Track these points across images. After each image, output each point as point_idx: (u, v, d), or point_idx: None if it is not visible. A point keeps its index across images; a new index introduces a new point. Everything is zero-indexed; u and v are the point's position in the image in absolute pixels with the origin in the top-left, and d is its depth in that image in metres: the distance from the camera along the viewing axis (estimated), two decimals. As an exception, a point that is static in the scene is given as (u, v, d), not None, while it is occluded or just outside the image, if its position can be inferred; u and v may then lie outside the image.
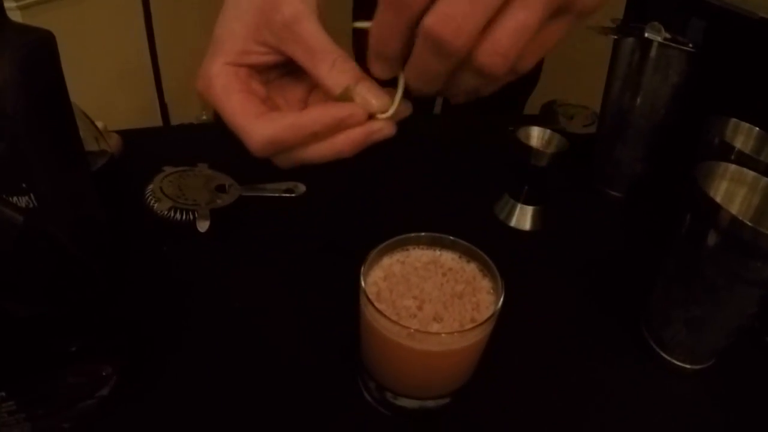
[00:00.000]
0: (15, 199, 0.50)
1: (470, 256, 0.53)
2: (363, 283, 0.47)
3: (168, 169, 0.75)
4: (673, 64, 0.77)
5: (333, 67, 0.40)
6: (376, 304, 0.46)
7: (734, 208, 0.59)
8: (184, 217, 0.69)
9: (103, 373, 0.50)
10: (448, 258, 0.53)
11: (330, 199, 0.79)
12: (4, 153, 0.48)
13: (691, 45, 0.76)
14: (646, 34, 0.77)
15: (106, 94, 2.08)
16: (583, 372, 0.60)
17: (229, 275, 0.66)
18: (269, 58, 0.43)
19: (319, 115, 0.40)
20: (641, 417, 0.56)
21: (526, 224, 0.79)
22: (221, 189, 0.74)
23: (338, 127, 0.41)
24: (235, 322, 0.60)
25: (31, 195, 0.51)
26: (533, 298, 0.67)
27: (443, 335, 0.44)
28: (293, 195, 0.77)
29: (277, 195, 0.76)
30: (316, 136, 0.41)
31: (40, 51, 0.50)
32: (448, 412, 0.53)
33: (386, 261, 0.52)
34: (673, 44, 0.76)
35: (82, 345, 0.48)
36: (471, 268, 0.52)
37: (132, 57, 2.47)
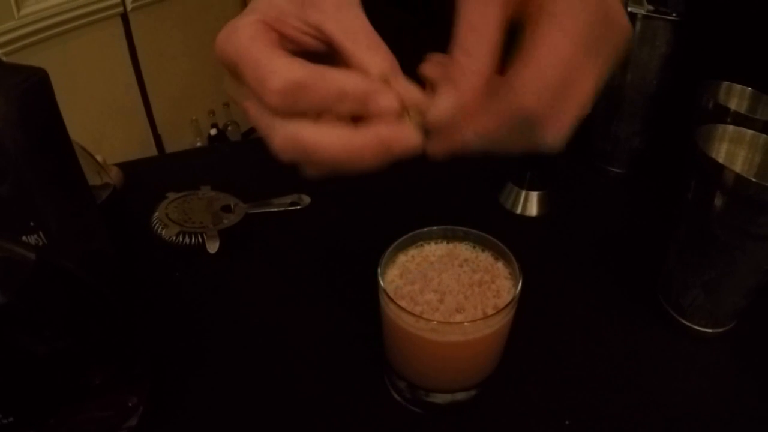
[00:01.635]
0: (24, 238, 0.51)
1: (484, 245, 0.53)
2: (381, 282, 0.48)
3: (171, 195, 0.76)
4: (659, 35, 0.77)
5: (370, 49, 0.37)
6: (397, 301, 0.46)
7: (737, 168, 0.59)
8: (192, 240, 0.69)
9: (129, 404, 0.50)
10: (462, 249, 0.54)
11: (336, 207, 0.79)
12: (9, 193, 0.48)
13: (674, 14, 0.77)
14: (629, 9, 0.77)
15: (100, 129, 2.10)
16: (607, 347, 0.60)
17: (243, 293, 0.66)
18: (304, 39, 0.39)
19: (352, 81, 0.36)
20: (668, 385, 0.56)
21: (533, 210, 0.79)
22: (227, 209, 0.74)
23: (367, 102, 0.36)
24: (256, 338, 0.60)
25: (40, 233, 0.51)
26: (549, 281, 0.68)
27: (467, 324, 0.45)
28: (299, 207, 0.77)
29: (282, 209, 0.76)
30: (342, 103, 0.35)
31: (35, 89, 0.51)
32: (479, 403, 0.53)
33: (401, 258, 0.52)
34: (657, 15, 0.77)
35: (105, 377, 0.48)
36: (486, 257, 0.53)
37: (121, 92, 2.49)
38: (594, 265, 0.71)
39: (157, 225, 0.71)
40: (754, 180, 0.49)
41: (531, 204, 0.79)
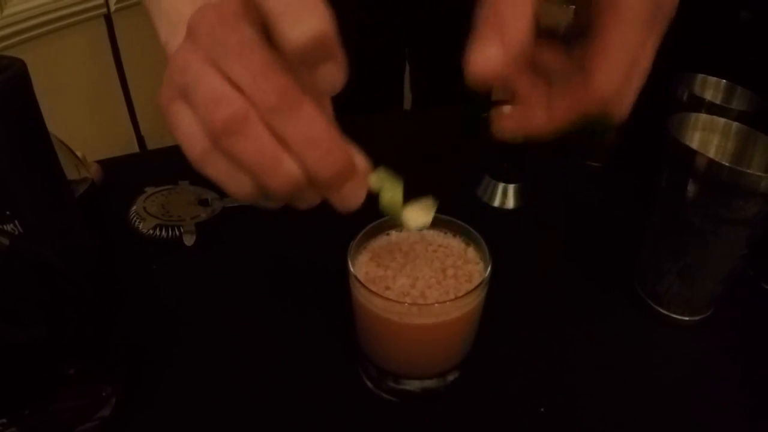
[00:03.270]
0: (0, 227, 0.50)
1: (455, 231, 0.54)
2: (351, 267, 0.48)
3: (150, 190, 0.76)
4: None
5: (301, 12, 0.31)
6: (367, 285, 0.46)
7: (710, 155, 0.60)
8: (170, 233, 0.69)
9: (103, 394, 0.50)
10: (433, 235, 0.54)
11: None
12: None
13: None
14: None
15: (83, 130, 2.08)
16: (583, 335, 0.61)
17: (219, 285, 0.66)
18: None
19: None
20: (645, 373, 0.57)
21: (510, 203, 0.79)
22: (204, 203, 0.74)
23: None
24: (230, 329, 0.60)
25: (16, 222, 0.51)
26: (526, 272, 0.68)
27: (437, 306, 0.45)
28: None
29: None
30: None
31: (13, 79, 0.50)
32: (453, 390, 0.54)
33: (372, 244, 0.53)
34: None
35: (80, 367, 0.48)
36: (457, 242, 0.53)
37: (104, 93, 2.49)
38: (571, 255, 0.72)
39: (134, 218, 0.71)
40: (726, 164, 0.50)
41: (508, 197, 0.79)
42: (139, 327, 0.60)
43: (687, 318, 0.61)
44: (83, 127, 2.19)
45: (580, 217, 0.79)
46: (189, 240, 0.68)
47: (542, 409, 0.53)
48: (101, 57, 2.45)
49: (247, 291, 0.65)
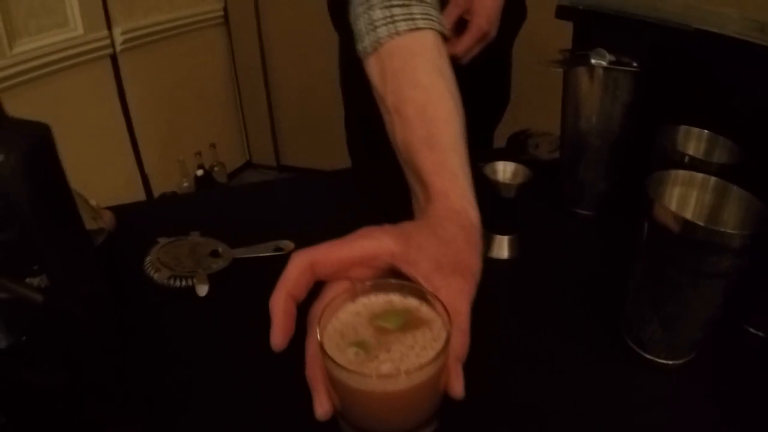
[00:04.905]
0: (28, 280, 0.54)
1: (417, 296, 0.52)
2: (319, 336, 0.47)
3: (162, 240, 0.79)
4: (620, 85, 0.82)
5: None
6: (333, 356, 0.46)
7: (689, 210, 0.64)
8: (183, 283, 0.73)
9: (127, 437, 0.54)
10: (398, 300, 0.52)
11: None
12: (15, 239, 0.52)
13: (635, 64, 0.82)
14: (592, 60, 0.83)
15: (87, 169, 2.12)
16: (571, 381, 0.63)
17: (231, 335, 0.69)
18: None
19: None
20: (630, 416, 0.59)
21: (504, 253, 0.83)
22: (215, 254, 0.78)
23: None
24: (242, 379, 0.63)
25: (43, 276, 0.54)
26: (517, 318, 0.72)
27: (403, 375, 0.45)
28: (283, 252, 0.81)
29: (268, 254, 0.80)
30: None
31: (40, 142, 0.54)
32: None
33: (341, 313, 0.51)
34: (617, 66, 0.82)
35: (98, 413, 0.52)
36: (420, 305, 0.51)
37: (109, 132, 2.52)
38: (561, 303, 0.74)
39: (149, 268, 0.74)
40: (700, 223, 0.54)
41: (502, 247, 0.83)
42: (155, 374, 0.63)
43: (670, 362, 0.64)
44: (88, 166, 2.23)
45: (570, 265, 0.82)
46: (202, 290, 0.72)
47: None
48: (107, 96, 2.49)
49: (257, 340, 0.67)
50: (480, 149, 1.36)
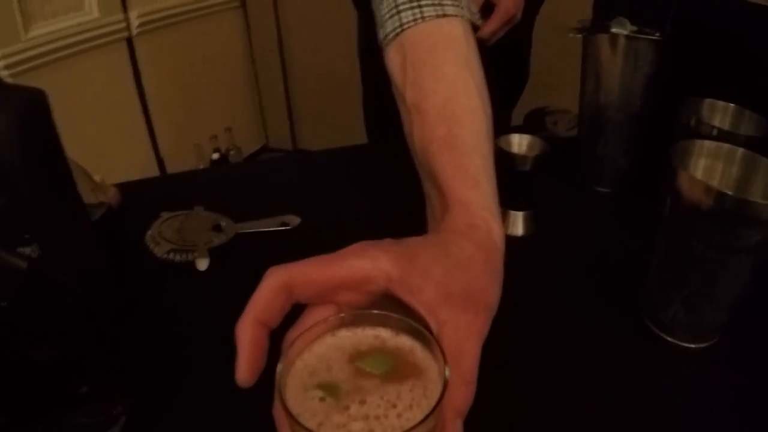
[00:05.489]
0: (20, 249, 0.52)
1: (412, 335, 0.41)
2: (280, 369, 0.39)
3: (165, 215, 0.77)
4: (642, 55, 0.79)
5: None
6: (288, 399, 0.38)
7: (715, 183, 0.60)
8: (183, 258, 0.71)
9: (114, 412, 0.52)
10: (388, 337, 0.42)
11: (325, 228, 0.80)
12: (5, 205, 0.50)
13: (657, 34, 0.79)
14: (613, 30, 0.79)
15: (103, 152, 2.12)
16: (590, 365, 0.61)
17: (230, 310, 0.66)
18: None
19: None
20: (651, 402, 0.57)
21: (519, 230, 0.80)
22: (217, 228, 0.76)
23: None
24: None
25: (35, 246, 0.52)
26: (534, 299, 0.69)
27: None
28: (289, 227, 0.78)
29: (272, 229, 0.78)
30: None
31: (34, 108, 0.52)
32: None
33: (316, 345, 0.42)
34: (640, 35, 0.78)
35: (93, 386, 0.50)
36: (419, 351, 0.41)
37: (125, 115, 2.53)
38: (578, 283, 0.72)
39: (150, 242, 0.72)
40: (730, 193, 0.50)
41: (517, 224, 0.80)
42: (151, 349, 0.61)
43: (693, 345, 0.61)
44: (104, 148, 2.23)
45: (588, 244, 0.79)
46: (202, 265, 0.70)
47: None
48: (123, 79, 2.49)
49: None
50: (497, 128, 1.33)
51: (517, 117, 1.36)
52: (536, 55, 1.41)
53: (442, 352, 0.38)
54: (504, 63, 1.25)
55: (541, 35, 1.39)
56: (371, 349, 0.41)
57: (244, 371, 0.41)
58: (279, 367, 0.39)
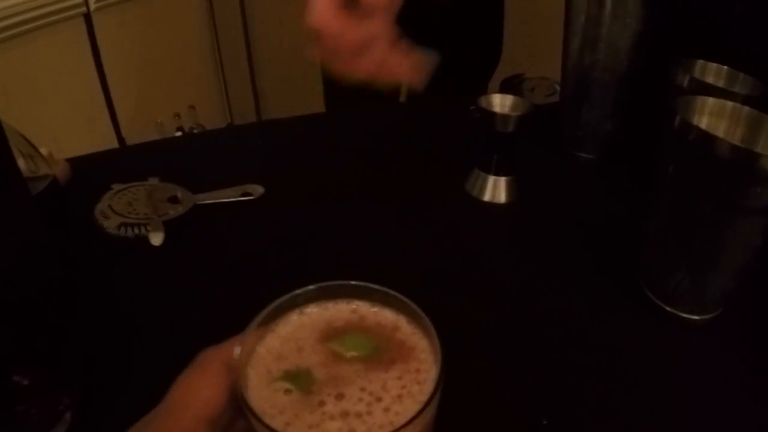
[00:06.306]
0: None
1: (397, 308, 0.36)
2: (237, 354, 0.33)
3: (116, 187, 0.71)
4: (631, 11, 0.74)
5: None
6: (249, 393, 0.32)
7: (720, 141, 0.56)
8: (136, 232, 0.65)
9: (60, 407, 0.47)
10: (366, 312, 0.37)
11: (291, 199, 0.75)
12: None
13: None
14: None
15: (62, 131, 2.06)
16: (587, 339, 0.57)
17: (186, 288, 0.62)
18: None
19: None
20: (653, 377, 0.53)
21: (501, 197, 0.75)
22: (174, 200, 0.70)
23: None
24: (197, 335, 0.55)
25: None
26: (521, 270, 0.65)
27: None
28: (251, 197, 0.72)
29: (233, 199, 0.72)
30: None
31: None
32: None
33: (281, 324, 0.36)
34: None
35: (34, 378, 0.46)
36: (405, 326, 0.36)
37: (84, 94, 2.47)
38: (568, 253, 0.68)
39: (99, 217, 0.66)
40: (744, 147, 0.46)
41: (499, 190, 0.75)
42: (99, 333, 0.56)
43: (697, 317, 0.57)
44: (63, 127, 2.16)
45: (575, 212, 0.76)
46: (156, 239, 0.64)
47: (545, 422, 0.49)
48: (81, 56, 2.42)
49: (217, 294, 0.61)
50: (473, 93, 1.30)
51: (493, 86, 1.31)
52: (509, 22, 1.36)
53: (434, 329, 0.33)
54: (476, 36, 1.22)
55: (515, 4, 1.34)
56: (348, 326, 0.36)
57: None
58: (236, 352, 0.33)
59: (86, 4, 2.34)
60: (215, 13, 3.23)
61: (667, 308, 0.57)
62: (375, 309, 0.37)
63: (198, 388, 0.35)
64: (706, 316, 0.57)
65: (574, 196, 0.79)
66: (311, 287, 0.36)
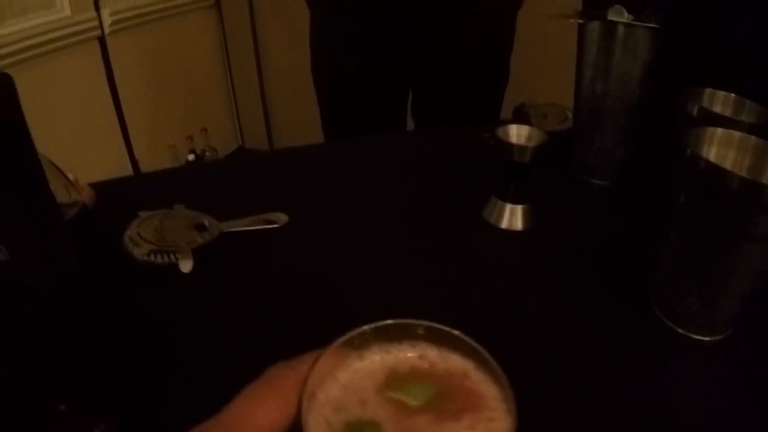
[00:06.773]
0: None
1: (463, 352, 0.33)
2: (304, 406, 0.30)
3: (144, 214, 0.73)
4: (640, 43, 0.76)
5: None
6: None
7: (728, 170, 0.58)
8: (165, 259, 0.67)
9: (96, 431, 0.48)
10: (434, 356, 0.33)
11: (314, 225, 0.77)
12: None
13: (654, 22, 0.76)
14: (610, 17, 0.76)
15: (77, 153, 2.07)
16: (600, 361, 0.58)
17: (217, 313, 0.63)
18: None
19: None
20: (664, 397, 0.54)
21: (518, 224, 0.77)
22: (201, 228, 0.72)
23: None
24: (230, 360, 0.57)
25: (2, 247, 0.48)
26: (538, 295, 0.66)
27: None
28: (276, 225, 0.74)
29: (258, 227, 0.74)
30: None
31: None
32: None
33: (340, 371, 0.32)
34: (638, 23, 0.76)
35: (71, 403, 0.46)
36: (472, 372, 0.33)
37: (98, 116, 2.48)
38: (583, 277, 0.69)
39: (128, 243, 0.68)
40: (750, 179, 0.48)
41: (516, 218, 0.77)
42: (134, 360, 0.57)
43: (707, 338, 0.58)
44: (77, 149, 2.17)
45: (589, 237, 0.77)
46: (186, 266, 0.66)
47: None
48: (95, 79, 2.44)
49: (247, 319, 0.62)
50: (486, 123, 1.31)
51: (505, 114, 1.33)
52: (516, 51, 1.38)
53: (504, 375, 0.31)
54: (483, 70, 1.25)
55: (520, 29, 1.36)
56: (409, 373, 0.32)
57: None
58: (301, 399, 0.30)
59: (101, 27, 2.37)
60: (227, 38, 3.26)
61: (679, 330, 0.59)
62: (442, 353, 0.33)
63: (267, 409, 0.32)
64: (716, 338, 0.59)
65: (588, 223, 0.81)
66: (366, 328, 0.32)
